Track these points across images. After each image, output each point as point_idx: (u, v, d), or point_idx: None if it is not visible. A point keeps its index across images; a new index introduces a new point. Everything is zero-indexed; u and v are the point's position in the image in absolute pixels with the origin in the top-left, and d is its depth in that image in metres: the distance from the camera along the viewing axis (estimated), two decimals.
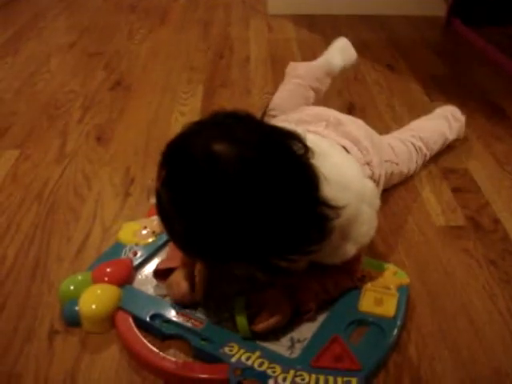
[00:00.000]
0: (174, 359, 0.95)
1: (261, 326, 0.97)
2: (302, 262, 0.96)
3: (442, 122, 1.54)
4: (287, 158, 0.86)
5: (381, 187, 1.20)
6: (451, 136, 1.54)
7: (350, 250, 1.01)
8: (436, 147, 1.51)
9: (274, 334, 0.99)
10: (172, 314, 1.02)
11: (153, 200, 0.91)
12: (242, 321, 0.97)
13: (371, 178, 1.12)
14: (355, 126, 1.25)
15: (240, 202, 0.81)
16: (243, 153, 0.82)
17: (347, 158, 1.09)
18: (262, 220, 0.82)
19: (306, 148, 0.88)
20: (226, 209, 0.81)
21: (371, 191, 1.04)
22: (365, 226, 1.01)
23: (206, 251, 0.87)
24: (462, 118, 1.59)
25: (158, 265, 1.11)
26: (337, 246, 0.99)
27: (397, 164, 1.34)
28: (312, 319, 1.02)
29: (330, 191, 0.89)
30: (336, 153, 1.07)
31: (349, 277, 1.07)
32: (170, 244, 1.14)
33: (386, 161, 1.28)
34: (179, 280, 1.04)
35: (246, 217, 0.81)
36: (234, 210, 0.81)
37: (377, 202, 1.05)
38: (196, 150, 0.83)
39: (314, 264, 1.04)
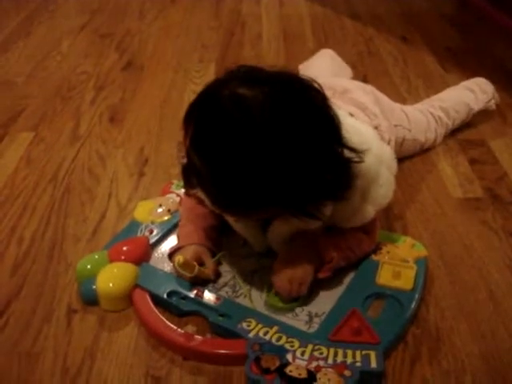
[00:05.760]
0: (192, 335, 0.95)
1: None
2: (327, 210, 0.96)
3: (466, 93, 1.50)
4: (310, 98, 0.88)
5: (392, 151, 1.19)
6: (476, 106, 1.50)
7: (370, 211, 1.02)
8: (459, 116, 1.47)
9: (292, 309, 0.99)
10: (189, 291, 1.02)
11: (183, 160, 0.93)
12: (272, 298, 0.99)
13: None
14: (362, 91, 1.26)
15: (269, 140, 0.82)
16: (268, 93, 0.85)
17: (362, 123, 1.09)
18: (290, 158, 0.83)
19: (324, 95, 0.91)
20: (256, 148, 0.82)
21: (389, 154, 1.05)
22: (383, 188, 1.02)
23: (239, 198, 0.87)
24: (490, 89, 1.54)
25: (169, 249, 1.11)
26: (357, 207, 1.00)
27: (409, 130, 1.33)
28: (335, 267, 1.02)
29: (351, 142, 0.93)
30: (349, 118, 1.07)
31: (369, 239, 1.07)
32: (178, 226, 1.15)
33: (396, 125, 1.28)
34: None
35: (275, 156, 0.83)
36: (264, 148, 0.82)
37: (394, 165, 1.06)
38: (222, 95, 0.87)
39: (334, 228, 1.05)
